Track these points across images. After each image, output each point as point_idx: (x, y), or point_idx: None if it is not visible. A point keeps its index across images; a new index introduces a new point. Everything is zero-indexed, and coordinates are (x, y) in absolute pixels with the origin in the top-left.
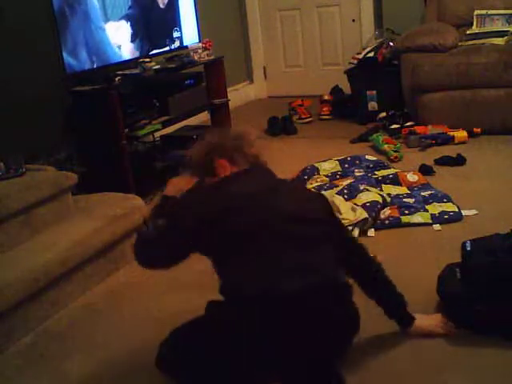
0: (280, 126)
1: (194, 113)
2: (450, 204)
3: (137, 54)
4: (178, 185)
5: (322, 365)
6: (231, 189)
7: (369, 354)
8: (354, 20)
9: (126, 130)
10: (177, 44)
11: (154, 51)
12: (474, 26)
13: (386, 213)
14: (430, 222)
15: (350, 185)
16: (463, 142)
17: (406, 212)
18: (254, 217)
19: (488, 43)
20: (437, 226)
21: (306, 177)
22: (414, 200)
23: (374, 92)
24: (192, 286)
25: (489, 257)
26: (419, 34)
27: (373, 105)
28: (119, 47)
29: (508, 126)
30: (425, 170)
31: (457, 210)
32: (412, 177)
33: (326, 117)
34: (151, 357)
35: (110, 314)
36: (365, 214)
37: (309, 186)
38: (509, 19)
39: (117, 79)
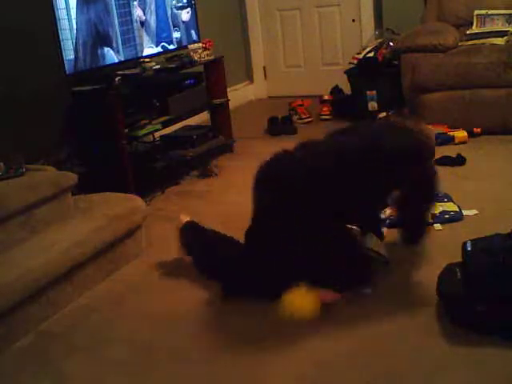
0: (280, 126)
1: (194, 113)
2: (451, 204)
3: (136, 54)
4: None
5: None
6: None
7: (369, 354)
8: (353, 20)
9: (126, 130)
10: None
11: (154, 51)
12: (474, 26)
13: (386, 212)
14: (431, 221)
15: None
16: (463, 142)
17: None
18: None
19: (488, 43)
20: (437, 226)
21: None
22: None
23: (374, 92)
24: (192, 285)
25: (489, 257)
26: (419, 34)
27: (373, 105)
28: (119, 47)
29: (508, 126)
30: None
31: (457, 209)
32: None
33: (326, 117)
34: (151, 356)
35: (110, 313)
36: None
37: None
38: (509, 19)
39: (117, 79)
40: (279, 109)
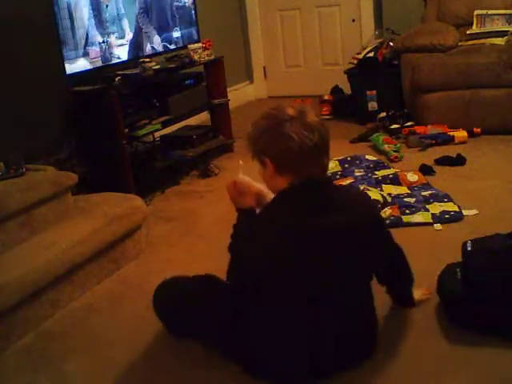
0: None
1: (194, 113)
2: (451, 203)
3: (137, 54)
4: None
5: None
6: None
7: None
8: (353, 20)
9: (126, 130)
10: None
11: (154, 51)
12: (474, 26)
13: (386, 212)
14: (431, 221)
15: (350, 185)
16: (463, 142)
17: (407, 211)
18: None
19: (488, 43)
20: (438, 226)
21: None
22: (414, 199)
23: (374, 92)
24: None
25: (490, 257)
26: (419, 34)
27: (373, 105)
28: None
29: (508, 126)
30: (425, 170)
31: (458, 209)
32: (412, 177)
33: (326, 117)
34: (151, 357)
35: (109, 314)
36: None
37: None
38: (509, 19)
39: (117, 79)
40: None
